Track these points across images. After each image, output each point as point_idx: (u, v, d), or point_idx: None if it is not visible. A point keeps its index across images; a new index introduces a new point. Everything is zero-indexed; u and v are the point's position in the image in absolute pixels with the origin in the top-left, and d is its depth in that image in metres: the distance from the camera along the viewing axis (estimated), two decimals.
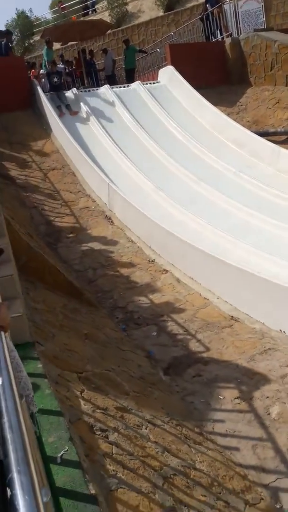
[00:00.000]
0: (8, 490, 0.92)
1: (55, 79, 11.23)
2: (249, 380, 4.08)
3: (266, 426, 3.52)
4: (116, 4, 21.72)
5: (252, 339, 4.81)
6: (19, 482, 0.93)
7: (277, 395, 3.81)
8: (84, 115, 11.06)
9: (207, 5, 14.17)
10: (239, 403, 3.80)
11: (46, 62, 13.09)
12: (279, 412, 3.60)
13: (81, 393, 3.06)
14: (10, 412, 1.20)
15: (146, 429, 3.07)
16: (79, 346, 3.96)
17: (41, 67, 14.35)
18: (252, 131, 10.37)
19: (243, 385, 4.03)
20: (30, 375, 2.48)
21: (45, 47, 13.41)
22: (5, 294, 2.95)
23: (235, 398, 3.86)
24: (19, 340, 3.04)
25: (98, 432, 2.69)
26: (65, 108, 11.10)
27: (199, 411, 3.75)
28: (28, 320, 3.57)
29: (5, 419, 1.16)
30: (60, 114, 10.86)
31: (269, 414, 3.62)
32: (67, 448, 2.27)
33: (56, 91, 11.37)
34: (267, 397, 3.80)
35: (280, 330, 4.94)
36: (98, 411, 2.92)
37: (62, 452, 2.25)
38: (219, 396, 3.93)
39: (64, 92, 11.87)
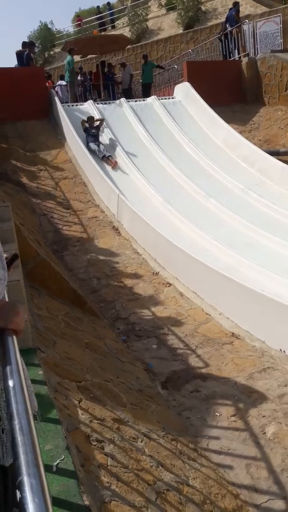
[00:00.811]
0: (18, 493, 0.94)
1: (93, 131, 10.51)
2: (247, 398, 4.09)
3: (261, 446, 3.52)
4: (137, 20, 22.11)
5: (252, 357, 4.82)
6: (29, 485, 0.92)
7: (273, 414, 3.82)
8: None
9: (227, 25, 14.41)
10: (235, 421, 3.81)
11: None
12: (274, 432, 3.60)
13: (79, 402, 3.09)
14: (21, 414, 1.23)
15: (141, 442, 3.09)
16: (79, 355, 4.00)
17: (59, 78, 14.65)
18: (263, 150, 10.46)
19: (240, 403, 4.04)
20: (31, 381, 2.52)
21: (69, 56, 13.53)
22: (11, 299, 3.01)
23: (231, 416, 3.87)
24: (22, 345, 3.07)
25: (94, 443, 2.71)
26: (106, 158, 10.13)
27: (195, 427, 3.76)
28: (31, 326, 3.63)
29: (16, 421, 1.20)
30: (113, 164, 10.04)
31: (264, 433, 3.63)
32: (63, 457, 2.29)
33: (94, 141, 10.43)
34: (264, 416, 3.81)
35: (280, 350, 4.95)
36: (95, 421, 2.95)
37: (58, 461, 2.27)
38: (216, 413, 3.94)
39: (79, 104, 12.09)
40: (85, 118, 10.57)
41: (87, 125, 10.38)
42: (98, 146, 10.16)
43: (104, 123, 11.19)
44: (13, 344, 1.80)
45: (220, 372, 4.58)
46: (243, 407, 3.99)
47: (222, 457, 3.45)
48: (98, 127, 10.53)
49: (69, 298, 5.43)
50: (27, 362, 3.02)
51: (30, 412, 1.26)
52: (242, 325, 5.50)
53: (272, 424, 3.72)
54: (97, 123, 10.57)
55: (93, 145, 10.15)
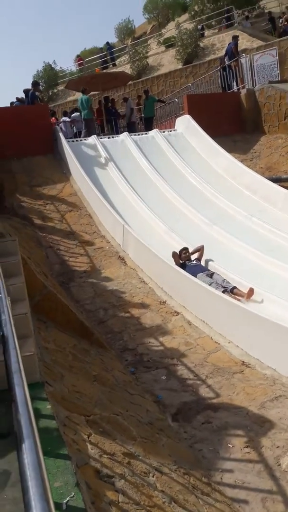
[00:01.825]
0: None
1: (193, 262, 7.36)
2: (259, 428, 4.00)
3: (276, 478, 3.41)
4: (137, 58, 22.88)
5: (263, 386, 4.73)
6: None
7: (287, 444, 3.72)
8: (103, 161, 11.44)
9: (225, 58, 14.88)
10: (248, 452, 3.71)
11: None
12: None
13: (88, 437, 3.03)
14: (29, 449, 1.23)
15: (153, 477, 3.01)
16: (88, 388, 3.95)
17: (62, 115, 15.11)
18: (265, 177, 10.59)
19: (253, 433, 3.94)
20: (39, 416, 2.49)
21: (84, 95, 14.01)
22: (18, 333, 3.00)
23: (244, 447, 3.77)
24: (29, 379, 3.06)
25: (105, 478, 2.65)
26: (230, 291, 6.60)
27: (207, 459, 3.67)
28: (38, 359, 3.60)
29: (25, 456, 1.20)
30: (248, 295, 6.38)
31: (279, 465, 3.52)
32: (73, 494, 2.23)
33: (203, 271, 7.14)
34: (278, 446, 3.70)
35: None
36: (105, 456, 2.89)
37: (68, 498, 2.21)
38: (229, 444, 3.84)
39: (83, 139, 12.40)
40: (176, 251, 7.50)
41: (181, 260, 7.40)
42: (211, 276, 6.93)
43: (108, 156, 11.41)
44: (21, 378, 1.80)
45: (232, 402, 4.50)
46: (256, 437, 3.89)
47: (236, 491, 3.34)
48: (199, 259, 7.51)
49: (76, 330, 5.41)
50: (34, 396, 2.98)
51: (39, 446, 1.25)
52: (252, 353, 5.42)
53: (286, 455, 3.61)
54: (196, 254, 7.55)
55: (205, 277, 6.87)
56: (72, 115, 15.14)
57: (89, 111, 13.83)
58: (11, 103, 13.82)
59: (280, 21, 20.91)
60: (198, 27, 22.12)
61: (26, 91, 13.25)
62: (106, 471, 2.73)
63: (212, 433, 4.00)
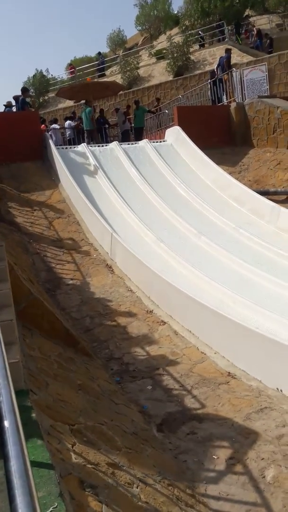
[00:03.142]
0: None
1: None
2: (244, 440, 3.98)
3: (260, 490, 3.39)
4: (128, 68, 23.08)
5: (249, 397, 4.73)
6: None
7: (272, 456, 3.71)
8: (92, 168, 11.45)
9: (217, 70, 15.10)
10: (233, 464, 3.69)
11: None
12: (274, 476, 3.49)
13: (72, 446, 2.99)
14: (16, 456, 1.20)
15: (137, 488, 2.97)
16: (72, 397, 3.90)
17: (52, 122, 15.21)
18: (253, 190, 10.71)
19: (238, 445, 3.92)
20: (23, 424, 2.44)
21: (88, 107, 14.46)
22: (3, 339, 2.96)
23: (229, 459, 3.75)
24: (14, 387, 3.01)
25: (88, 489, 2.60)
26: None
27: (192, 471, 3.63)
28: (23, 367, 3.55)
29: (12, 463, 1.17)
30: None
31: (264, 477, 3.51)
32: (56, 504, 2.19)
33: None
34: (262, 458, 3.69)
35: (277, 389, 4.87)
36: (89, 466, 2.84)
37: (51, 509, 2.17)
38: (213, 456, 3.82)
39: (73, 146, 12.44)
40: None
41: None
42: None
43: (98, 164, 11.43)
44: (8, 385, 1.77)
45: (217, 413, 4.48)
46: (241, 449, 3.88)
47: (221, 503, 3.31)
48: None
49: (61, 337, 5.35)
50: (18, 404, 2.93)
51: (26, 453, 1.23)
52: (238, 364, 5.42)
53: (271, 467, 3.60)
54: None
55: None
56: (66, 123, 15.20)
57: (90, 122, 14.12)
58: (5, 107, 13.73)
59: (251, 34, 21.49)
60: (189, 39, 22.41)
61: (16, 98, 13.25)
62: (90, 482, 2.69)
63: (197, 444, 3.97)
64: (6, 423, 1.39)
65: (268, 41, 20.90)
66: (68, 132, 14.92)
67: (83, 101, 20.47)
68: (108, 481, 2.82)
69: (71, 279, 7.84)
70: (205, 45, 22.92)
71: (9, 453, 1.25)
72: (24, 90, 13.90)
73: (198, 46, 22.88)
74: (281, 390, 4.83)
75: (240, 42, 21.55)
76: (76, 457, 2.90)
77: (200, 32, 22.68)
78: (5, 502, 2.13)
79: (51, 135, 13.58)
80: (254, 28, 21.89)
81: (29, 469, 1.20)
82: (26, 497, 1.05)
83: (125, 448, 3.44)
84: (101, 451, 3.14)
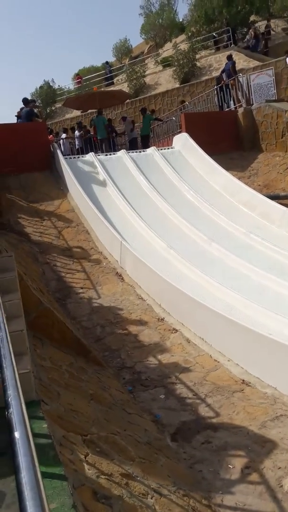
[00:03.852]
0: None
1: None
2: (260, 449, 3.90)
3: (278, 500, 3.31)
4: (134, 77, 23.22)
5: (264, 405, 4.65)
6: None
7: None
8: (100, 177, 11.48)
9: (223, 75, 15.11)
10: (249, 474, 3.61)
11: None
12: None
13: (85, 457, 2.95)
14: (26, 468, 1.18)
15: (152, 498, 2.92)
16: (84, 407, 3.86)
17: (62, 131, 15.37)
18: (263, 195, 10.64)
19: (254, 454, 3.84)
20: (35, 435, 2.42)
21: (100, 116, 14.86)
22: (14, 350, 2.94)
23: (245, 468, 3.68)
24: (25, 398, 2.98)
25: (102, 500, 2.56)
26: None
27: (207, 481, 3.57)
28: (34, 377, 3.53)
29: (22, 475, 1.15)
30: None
31: (281, 486, 3.43)
32: None
33: None
34: (279, 467, 3.61)
35: None
36: (103, 476, 2.80)
37: None
38: (229, 465, 3.75)
39: (81, 156, 12.53)
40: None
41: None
42: None
43: (106, 173, 11.47)
44: (18, 396, 1.74)
45: (232, 422, 4.40)
46: (257, 458, 3.80)
47: None
48: None
49: (73, 347, 5.33)
50: (30, 415, 2.89)
51: (37, 465, 1.20)
52: (252, 371, 5.34)
53: None
54: None
55: None
56: (76, 133, 15.34)
57: (103, 131, 14.36)
58: (21, 109, 13.66)
59: (247, 38, 21.55)
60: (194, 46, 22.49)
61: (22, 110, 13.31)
62: (103, 492, 2.65)
63: (212, 454, 3.90)
64: (17, 434, 1.37)
65: (264, 41, 21.15)
66: (76, 142, 15.04)
67: (90, 111, 20.69)
68: (122, 492, 2.77)
69: (81, 288, 7.83)
70: (211, 51, 22.98)
71: (20, 465, 1.23)
72: (29, 101, 13.94)
73: (204, 52, 22.95)
74: None
75: (236, 44, 21.68)
76: (89, 467, 2.86)
77: (214, 34, 22.64)
78: None
79: (59, 145, 13.74)
80: (251, 30, 21.98)
81: (40, 480, 1.18)
82: (37, 509, 1.02)
83: (138, 458, 3.39)
84: (114, 462, 3.10)
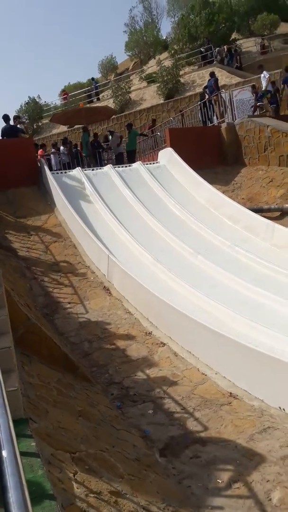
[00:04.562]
0: None
1: None
2: (249, 462, 3.92)
3: None
4: (120, 92, 23.52)
5: (251, 417, 4.68)
6: None
7: (278, 478, 3.65)
8: (87, 192, 11.55)
9: (206, 92, 15.41)
10: (238, 488, 3.62)
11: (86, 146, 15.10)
12: (280, 498, 3.42)
13: (74, 475, 2.94)
14: (14, 487, 1.19)
15: None
16: (73, 424, 3.84)
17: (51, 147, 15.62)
18: (247, 208, 10.80)
19: (242, 467, 3.86)
20: (23, 454, 2.41)
21: (84, 133, 15.27)
22: (1, 367, 2.93)
23: (234, 482, 3.69)
24: (13, 415, 2.97)
25: None
26: None
27: (196, 496, 3.56)
28: (22, 395, 3.51)
29: (10, 494, 1.15)
30: None
31: (270, 499, 3.44)
32: None
33: None
34: (268, 480, 3.63)
35: (280, 407, 4.82)
36: (92, 495, 2.79)
37: None
38: (218, 480, 3.75)
39: (67, 171, 12.64)
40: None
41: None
42: None
43: (92, 187, 11.55)
44: (6, 413, 1.75)
45: (220, 435, 4.42)
46: (245, 471, 3.81)
47: None
48: None
49: (60, 363, 5.30)
50: (18, 433, 2.88)
51: (24, 483, 1.21)
52: (239, 383, 5.38)
53: (277, 489, 3.54)
54: None
55: None
56: (61, 148, 15.44)
57: (86, 148, 14.66)
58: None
59: (216, 51, 22.29)
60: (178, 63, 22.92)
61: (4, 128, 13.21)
62: (93, 511, 2.64)
63: (201, 468, 3.91)
64: (4, 453, 1.37)
65: (238, 57, 21.97)
66: (63, 157, 15.14)
67: (77, 126, 20.85)
68: (111, 510, 2.76)
69: (69, 303, 7.82)
70: (194, 67, 23.42)
71: (7, 484, 1.23)
72: (6, 118, 13.83)
73: (187, 68, 23.40)
74: (284, 409, 4.78)
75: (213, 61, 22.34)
76: (78, 486, 2.84)
77: (202, 50, 23.24)
78: None
79: (49, 159, 13.84)
80: (224, 46, 22.67)
81: (28, 500, 1.19)
82: None
83: (127, 475, 3.38)
84: (103, 479, 3.09)
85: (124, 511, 2.84)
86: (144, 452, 4.10)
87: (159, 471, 3.84)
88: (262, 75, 15.09)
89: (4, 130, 12.58)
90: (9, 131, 12.50)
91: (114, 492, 2.98)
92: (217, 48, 22.44)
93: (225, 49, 22.40)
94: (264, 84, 14.87)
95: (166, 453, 4.20)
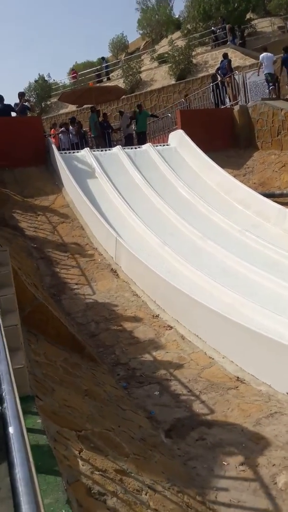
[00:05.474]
0: None
1: None
2: (255, 446, 3.90)
3: (272, 497, 3.31)
4: (130, 72, 23.13)
5: (258, 402, 4.65)
6: None
7: (283, 462, 3.63)
8: (96, 173, 11.43)
9: (218, 73, 15.08)
10: (243, 470, 3.61)
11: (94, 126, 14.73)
12: (286, 482, 3.40)
13: (79, 453, 2.93)
14: (21, 464, 1.16)
15: (146, 495, 2.91)
16: (79, 403, 3.84)
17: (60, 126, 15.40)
18: (258, 193, 10.64)
19: (248, 451, 3.84)
20: (29, 430, 2.39)
21: (92, 113, 14.94)
22: (8, 345, 2.90)
23: (239, 465, 3.68)
24: (19, 393, 2.95)
25: (96, 496, 2.55)
26: None
27: (201, 477, 3.56)
28: (28, 373, 3.49)
29: (17, 470, 1.12)
30: None
31: (275, 483, 3.43)
32: (63, 511, 2.14)
33: None
34: (273, 464, 3.61)
35: (287, 393, 4.79)
36: (97, 472, 2.78)
37: None
38: (223, 462, 3.74)
39: (76, 151, 12.49)
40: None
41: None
42: None
43: (101, 168, 11.42)
44: (12, 390, 1.71)
45: (226, 419, 4.40)
46: (251, 455, 3.80)
47: (232, 511, 3.24)
48: None
49: (67, 343, 5.30)
50: (24, 410, 2.86)
51: (31, 460, 1.18)
52: (247, 368, 5.34)
53: (283, 473, 3.53)
54: None
55: None
56: (70, 129, 15.27)
57: (94, 128, 14.38)
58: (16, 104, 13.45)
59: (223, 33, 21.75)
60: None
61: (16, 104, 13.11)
62: (97, 489, 2.63)
63: (207, 450, 3.90)
64: (11, 429, 1.34)
65: (240, 34, 21.41)
66: (71, 137, 14.97)
67: (86, 106, 20.60)
68: (116, 488, 2.76)
69: (76, 284, 7.80)
70: (207, 48, 22.94)
71: (14, 460, 1.20)
72: (21, 94, 13.72)
73: (200, 49, 22.90)
74: None
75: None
76: (84, 463, 2.84)
77: (214, 29, 22.63)
78: (11, 510, 2.07)
79: (60, 139, 13.71)
80: (227, 26, 22.10)
81: (34, 476, 1.15)
82: (31, 505, 1.00)
83: (133, 454, 3.38)
84: (108, 458, 3.08)
85: (130, 489, 2.84)
86: (149, 433, 4.09)
87: (165, 452, 3.83)
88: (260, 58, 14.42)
89: (19, 107, 12.44)
90: (1, 112, 12.29)
91: (119, 471, 2.98)
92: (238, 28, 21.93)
93: (227, 28, 21.82)
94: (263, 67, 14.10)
95: (172, 434, 4.20)
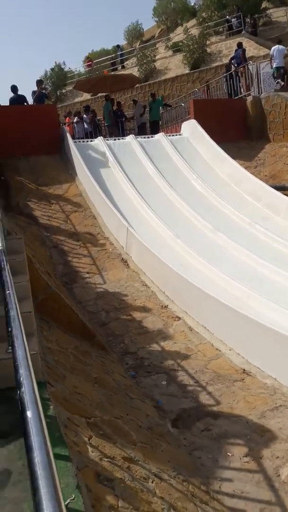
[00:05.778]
0: None
1: None
2: (259, 438, 3.98)
3: (275, 489, 3.39)
4: (145, 61, 22.93)
5: (264, 395, 4.72)
6: None
7: (287, 455, 3.70)
8: (109, 162, 11.44)
9: (232, 62, 14.89)
10: (248, 462, 3.69)
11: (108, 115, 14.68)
12: None
13: (89, 439, 3.02)
14: (39, 448, 1.21)
15: (152, 482, 3.00)
16: (89, 390, 3.94)
17: (75, 115, 15.41)
18: (269, 185, 10.59)
19: (252, 443, 3.92)
20: None
21: (106, 102, 14.87)
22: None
23: (244, 456, 3.76)
24: None
25: (105, 482, 2.63)
26: None
27: (206, 467, 3.65)
28: (41, 359, 3.59)
29: (35, 454, 1.18)
30: None
31: (278, 475, 3.51)
32: (73, 496, 2.22)
33: None
34: (277, 457, 3.69)
35: None
36: (105, 459, 2.87)
37: (68, 501, 2.19)
38: (228, 453, 3.83)
39: (90, 140, 12.49)
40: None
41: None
42: None
43: (114, 158, 11.43)
44: (30, 375, 1.79)
45: (232, 410, 4.48)
46: (255, 447, 3.88)
47: (235, 501, 3.32)
48: None
49: (78, 331, 5.40)
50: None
51: (49, 444, 1.24)
52: (253, 361, 5.41)
53: (286, 466, 3.60)
54: None
55: None
56: (84, 117, 15.28)
57: (108, 117, 14.31)
58: (33, 92, 13.53)
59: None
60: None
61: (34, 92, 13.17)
62: (106, 475, 2.72)
63: (212, 441, 3.98)
64: (29, 414, 1.40)
65: (253, 22, 21.05)
66: (85, 125, 14.98)
67: (100, 95, 20.51)
68: (124, 475, 2.84)
69: (87, 273, 7.89)
70: (222, 37, 22.62)
71: (32, 444, 1.26)
72: (39, 82, 13.77)
73: (214, 38, 22.59)
74: None
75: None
76: (93, 450, 2.93)
77: (228, 18, 22.25)
78: (22, 493, 2.16)
79: (74, 128, 13.70)
80: (235, 14, 21.72)
81: (52, 460, 1.22)
82: (50, 488, 1.06)
83: (140, 442, 3.47)
84: (116, 445, 3.17)
85: (137, 477, 2.93)
86: (156, 422, 4.18)
87: (171, 441, 3.92)
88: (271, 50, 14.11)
89: (11, 100, 12.41)
90: (15, 102, 12.32)
91: (127, 458, 3.07)
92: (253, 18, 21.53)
93: (235, 15, 21.44)
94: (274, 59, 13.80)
95: (178, 424, 4.29)
